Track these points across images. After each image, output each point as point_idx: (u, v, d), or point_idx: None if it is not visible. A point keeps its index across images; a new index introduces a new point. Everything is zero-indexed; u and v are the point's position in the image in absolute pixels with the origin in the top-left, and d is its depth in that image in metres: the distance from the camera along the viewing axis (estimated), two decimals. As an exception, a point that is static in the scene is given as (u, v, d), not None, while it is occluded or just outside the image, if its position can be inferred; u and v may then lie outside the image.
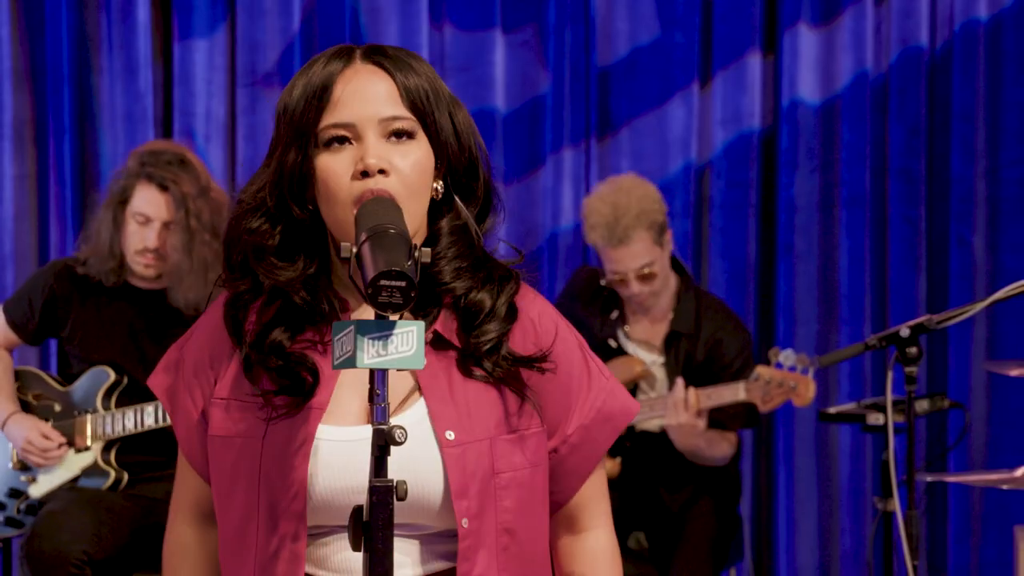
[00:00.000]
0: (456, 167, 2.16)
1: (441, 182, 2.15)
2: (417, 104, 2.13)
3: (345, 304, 2.16)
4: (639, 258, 4.60)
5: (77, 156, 5.88)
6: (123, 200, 4.42)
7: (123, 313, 4.44)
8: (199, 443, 2.21)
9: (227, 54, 5.96)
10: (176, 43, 5.93)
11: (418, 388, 2.11)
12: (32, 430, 4.35)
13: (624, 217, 4.58)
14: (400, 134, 2.11)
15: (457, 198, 2.17)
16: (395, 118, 2.11)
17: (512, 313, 2.16)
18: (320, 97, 2.10)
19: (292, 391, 2.09)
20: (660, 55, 5.90)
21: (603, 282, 4.72)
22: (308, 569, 2.11)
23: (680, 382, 4.52)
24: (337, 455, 2.08)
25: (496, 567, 2.11)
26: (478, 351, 2.11)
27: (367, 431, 1.98)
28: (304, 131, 2.10)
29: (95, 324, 4.42)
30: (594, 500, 2.28)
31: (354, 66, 2.13)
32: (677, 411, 4.46)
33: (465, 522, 2.08)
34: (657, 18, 5.91)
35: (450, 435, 2.08)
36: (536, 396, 2.16)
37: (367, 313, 2.13)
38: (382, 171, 2.07)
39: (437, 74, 2.18)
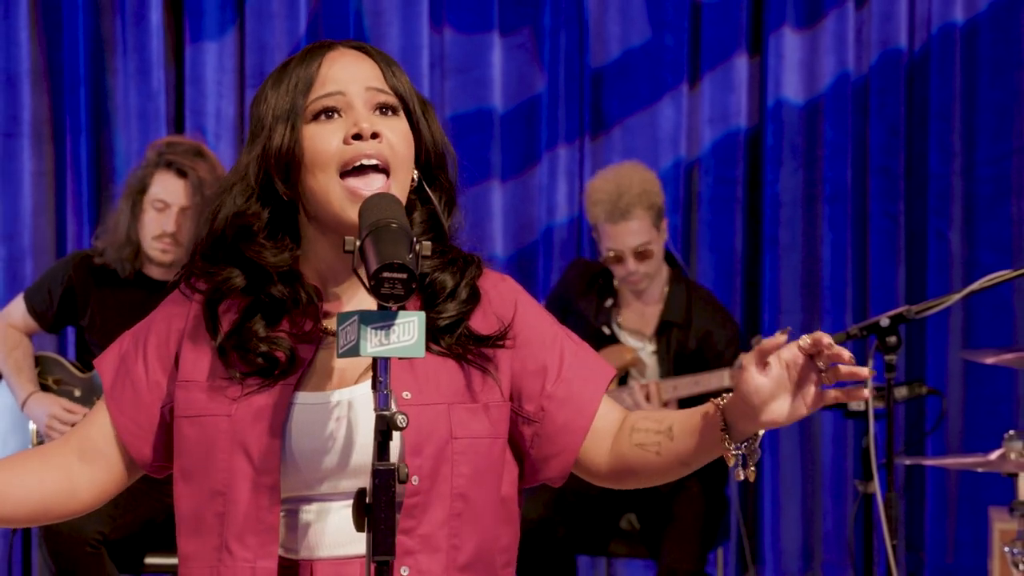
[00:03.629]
0: (429, 159, 2.16)
1: (416, 172, 2.14)
2: (398, 88, 2.14)
3: (319, 292, 2.14)
4: (638, 236, 4.59)
5: (93, 153, 5.88)
6: (142, 189, 4.41)
7: (138, 302, 4.42)
8: (133, 405, 2.16)
9: (236, 55, 5.96)
10: (187, 45, 5.92)
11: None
12: (55, 406, 4.35)
13: (626, 195, 4.58)
14: (386, 108, 2.11)
15: (429, 190, 2.16)
16: (382, 90, 2.11)
17: (474, 295, 2.16)
18: (307, 76, 2.10)
19: (265, 372, 2.08)
20: (651, 57, 5.90)
21: (600, 259, 4.70)
22: (292, 549, 2.09)
23: (648, 382, 4.54)
24: (308, 418, 2.07)
25: (447, 530, 2.09)
26: (435, 327, 2.11)
27: (339, 395, 2.02)
28: (292, 109, 2.09)
29: (112, 312, 4.41)
30: (609, 415, 2.22)
31: (338, 49, 2.14)
32: (640, 405, 4.47)
33: (416, 479, 2.06)
34: (648, 21, 5.91)
35: (406, 395, 2.07)
36: (504, 370, 2.16)
37: (350, 303, 2.13)
38: (375, 135, 2.07)
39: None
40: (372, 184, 2.07)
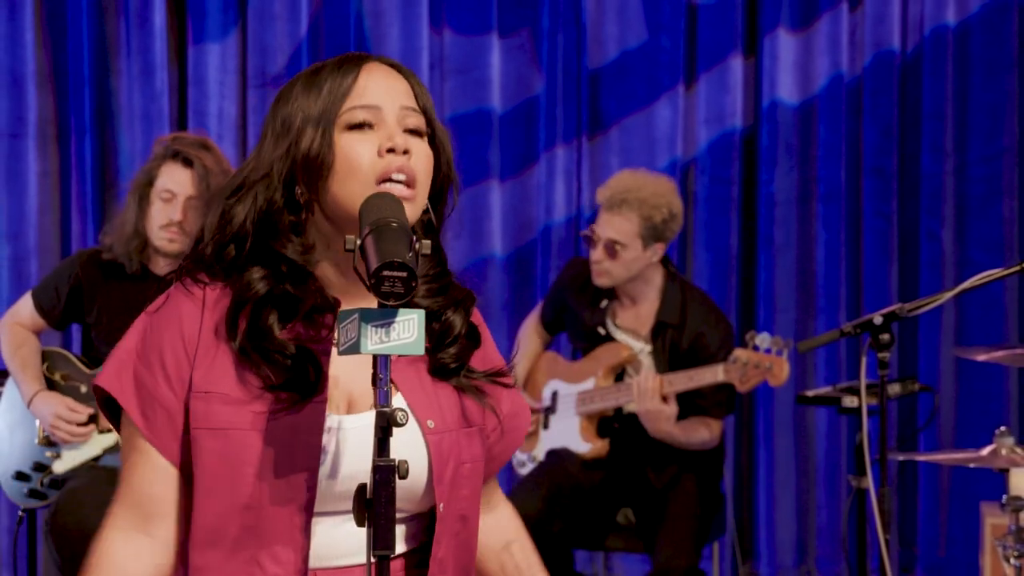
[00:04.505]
0: (437, 184, 2.17)
1: (427, 202, 2.14)
2: (427, 110, 2.15)
3: (337, 301, 2.12)
4: (616, 231, 4.56)
5: (97, 154, 5.88)
6: (149, 182, 4.41)
7: (145, 298, 4.42)
8: (171, 431, 2.08)
9: (239, 57, 5.96)
10: (190, 47, 5.93)
11: (393, 383, 2.06)
12: (60, 405, 4.35)
13: (631, 193, 4.56)
14: (413, 132, 2.12)
15: (433, 218, 2.17)
16: (413, 110, 2.12)
17: (474, 335, 2.20)
18: (343, 88, 2.10)
19: (297, 387, 2.06)
20: (647, 58, 5.90)
21: (581, 233, 4.70)
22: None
23: (648, 371, 4.53)
24: (346, 443, 2.07)
25: (451, 551, 2.15)
26: (446, 368, 2.15)
27: (368, 417, 1.99)
28: (326, 115, 2.09)
29: (118, 309, 4.41)
30: (495, 480, 2.37)
31: (374, 62, 2.14)
32: (642, 398, 4.46)
33: (441, 507, 2.11)
34: (644, 23, 5.91)
35: (431, 423, 2.10)
36: (492, 398, 2.22)
37: (363, 300, 2.12)
38: (406, 151, 2.08)
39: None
40: (398, 193, 2.08)
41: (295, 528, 2.05)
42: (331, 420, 2.08)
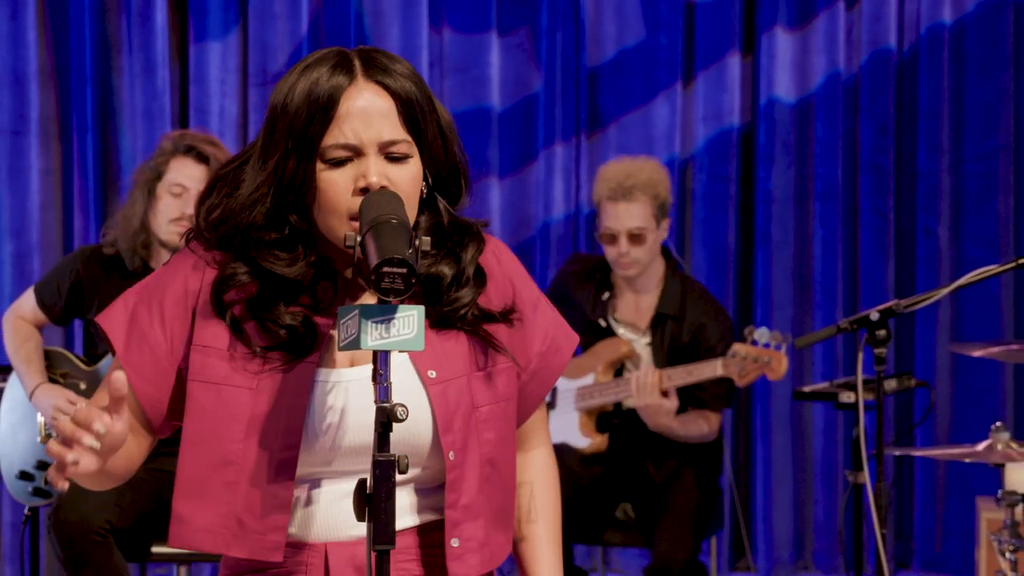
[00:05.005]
0: (440, 170, 2.16)
1: (425, 184, 2.14)
2: (414, 122, 2.10)
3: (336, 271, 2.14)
4: (635, 218, 4.55)
5: (99, 151, 5.87)
6: (156, 177, 4.40)
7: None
8: (153, 371, 2.13)
9: (239, 55, 5.96)
10: (192, 45, 5.92)
11: None
12: (59, 398, 4.35)
13: (633, 178, 4.56)
14: (396, 159, 2.09)
15: (437, 195, 2.16)
16: (394, 142, 2.08)
17: (480, 277, 2.18)
18: (325, 111, 2.06)
19: (287, 346, 2.08)
20: (645, 56, 5.90)
21: (596, 235, 4.68)
22: (304, 530, 2.11)
23: (647, 367, 4.53)
24: (330, 395, 2.08)
25: (482, 496, 2.14)
26: (453, 316, 2.13)
27: (359, 372, 2.02)
28: (308, 144, 2.07)
29: (118, 304, 4.41)
30: (540, 423, 2.33)
31: (357, 84, 2.09)
32: (641, 393, 4.45)
33: (452, 455, 2.10)
34: (643, 21, 5.91)
35: (432, 374, 2.10)
36: (504, 338, 2.19)
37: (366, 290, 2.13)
38: (382, 188, 2.06)
39: (419, 74, 2.15)
40: None
41: (277, 487, 2.07)
42: (334, 375, 2.09)
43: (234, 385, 2.08)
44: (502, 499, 2.18)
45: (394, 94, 2.10)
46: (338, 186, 2.07)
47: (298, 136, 2.07)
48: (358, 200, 2.05)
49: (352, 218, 2.05)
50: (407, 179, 2.09)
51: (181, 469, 2.11)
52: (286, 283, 2.10)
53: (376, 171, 2.06)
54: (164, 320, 2.13)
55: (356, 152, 2.07)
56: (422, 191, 2.14)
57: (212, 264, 2.13)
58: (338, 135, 2.07)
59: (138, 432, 2.15)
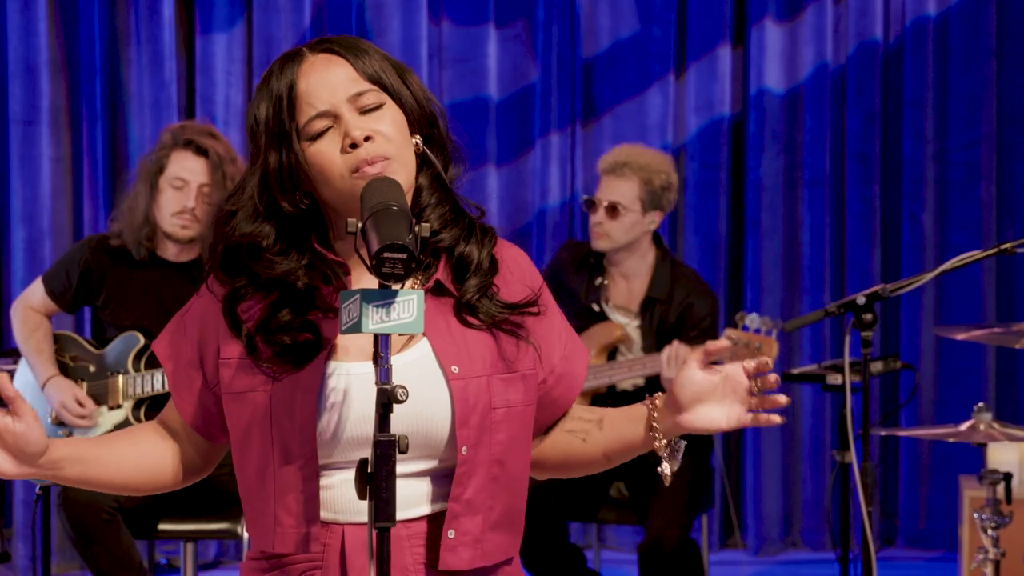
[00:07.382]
0: (422, 124, 2.15)
1: (418, 136, 2.13)
2: (375, 77, 2.11)
3: (346, 268, 2.14)
4: (618, 193, 4.54)
5: (108, 140, 5.86)
6: (159, 170, 4.38)
7: (152, 282, 4.42)
8: (199, 402, 2.19)
9: (244, 47, 5.95)
10: (198, 37, 5.91)
11: None
12: (68, 395, 4.33)
13: (631, 159, 4.56)
14: (370, 109, 2.09)
15: (427, 150, 2.15)
16: (361, 93, 2.09)
17: (493, 266, 2.17)
18: (288, 98, 2.08)
19: (295, 356, 2.08)
20: (639, 48, 5.89)
21: (582, 199, 4.68)
22: (323, 513, 2.10)
23: (675, 342, 4.51)
24: (339, 388, 2.08)
25: (485, 493, 2.12)
26: (470, 301, 2.12)
27: (366, 366, 1.98)
28: (282, 132, 2.08)
29: (127, 293, 4.40)
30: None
31: (308, 60, 2.11)
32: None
33: (464, 450, 2.08)
34: (636, 14, 5.90)
35: (455, 369, 2.09)
36: (534, 335, 2.17)
37: (368, 277, 2.10)
38: (367, 138, 2.06)
39: (382, 50, 2.16)
40: (379, 170, 2.07)
41: (303, 480, 2.07)
42: (341, 368, 2.09)
43: (252, 391, 2.10)
44: (507, 500, 2.16)
45: (343, 53, 2.11)
46: (327, 152, 2.07)
47: (272, 131, 2.09)
48: (350, 156, 2.06)
49: (353, 172, 2.06)
50: (388, 123, 2.09)
51: (240, 480, 2.17)
52: (291, 289, 2.10)
53: (355, 125, 2.07)
54: (195, 341, 2.18)
55: (331, 117, 2.08)
56: (417, 145, 2.13)
57: (227, 283, 2.16)
58: (308, 109, 2.08)
59: (190, 443, 2.23)
